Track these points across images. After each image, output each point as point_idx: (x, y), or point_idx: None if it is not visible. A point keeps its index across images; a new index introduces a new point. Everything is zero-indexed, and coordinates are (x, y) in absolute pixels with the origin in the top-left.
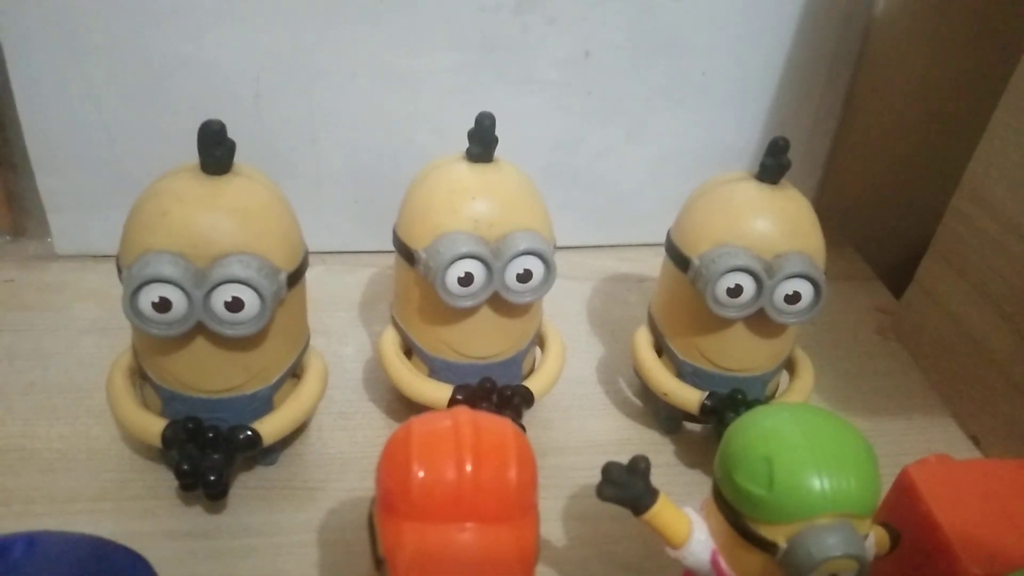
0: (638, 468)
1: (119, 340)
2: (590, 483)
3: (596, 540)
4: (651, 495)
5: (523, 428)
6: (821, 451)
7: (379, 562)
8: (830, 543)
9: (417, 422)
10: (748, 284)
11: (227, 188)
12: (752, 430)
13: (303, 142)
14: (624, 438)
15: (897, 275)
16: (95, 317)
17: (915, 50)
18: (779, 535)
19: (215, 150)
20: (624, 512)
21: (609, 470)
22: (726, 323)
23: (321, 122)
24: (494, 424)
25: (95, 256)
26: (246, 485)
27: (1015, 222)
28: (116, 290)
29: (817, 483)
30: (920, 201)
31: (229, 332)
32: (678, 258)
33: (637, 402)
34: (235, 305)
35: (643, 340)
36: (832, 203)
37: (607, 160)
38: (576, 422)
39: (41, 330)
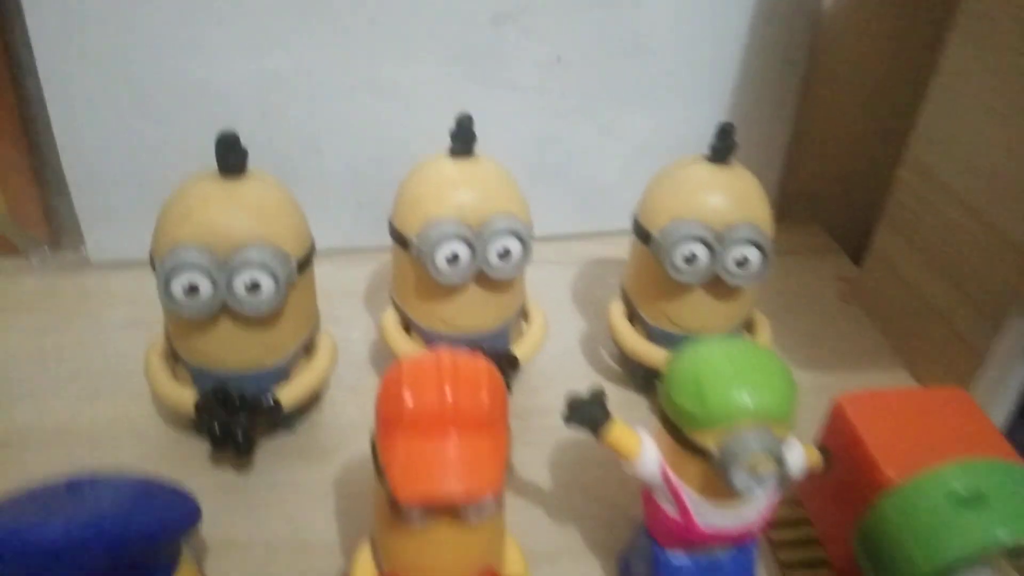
0: (596, 396)
1: (150, 333)
2: (571, 438)
3: (577, 482)
4: (607, 418)
5: (509, 388)
6: (742, 370)
7: (380, 472)
8: (751, 443)
9: (406, 360)
10: (702, 252)
11: (242, 188)
12: (686, 357)
13: (307, 152)
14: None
15: (861, 247)
16: (127, 315)
17: (862, 37)
18: (710, 440)
19: (231, 156)
20: (600, 459)
21: (572, 399)
22: (686, 288)
23: (323, 133)
24: (470, 360)
25: (125, 262)
26: (269, 450)
27: (951, 188)
28: (145, 291)
29: (738, 395)
30: (876, 177)
31: (249, 312)
32: (642, 234)
33: (615, 367)
34: (254, 287)
35: (617, 310)
36: (798, 186)
37: (584, 156)
38: (560, 387)
39: (80, 328)
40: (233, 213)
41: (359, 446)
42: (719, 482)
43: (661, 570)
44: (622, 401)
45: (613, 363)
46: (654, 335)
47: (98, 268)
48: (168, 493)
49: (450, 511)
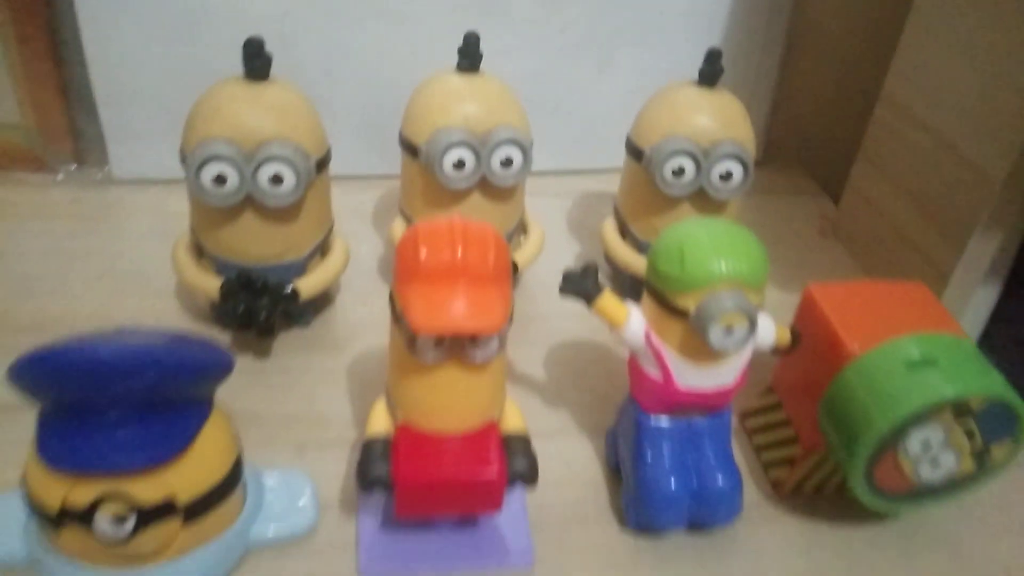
0: (588, 270)
1: (171, 242)
2: (566, 340)
3: (570, 376)
4: (598, 289)
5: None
6: (720, 241)
7: (398, 317)
8: (726, 302)
9: (422, 222)
10: (689, 166)
11: (267, 90)
12: (670, 232)
13: (320, 78)
14: None
15: (842, 192)
16: (150, 225)
17: None
18: (690, 302)
19: (256, 60)
20: (593, 354)
21: (567, 272)
22: (674, 203)
23: (335, 60)
24: (479, 225)
25: (148, 180)
26: (286, 341)
27: (924, 122)
28: (167, 205)
29: (715, 260)
30: (858, 126)
31: (272, 203)
32: (634, 152)
33: (608, 283)
34: (276, 179)
35: (609, 226)
36: (785, 133)
37: (582, 92)
38: (557, 298)
39: (106, 236)
40: (258, 112)
41: (368, 341)
42: (697, 343)
43: (644, 433)
44: None
45: (605, 280)
46: (643, 248)
47: (121, 185)
48: (205, 343)
49: (458, 354)
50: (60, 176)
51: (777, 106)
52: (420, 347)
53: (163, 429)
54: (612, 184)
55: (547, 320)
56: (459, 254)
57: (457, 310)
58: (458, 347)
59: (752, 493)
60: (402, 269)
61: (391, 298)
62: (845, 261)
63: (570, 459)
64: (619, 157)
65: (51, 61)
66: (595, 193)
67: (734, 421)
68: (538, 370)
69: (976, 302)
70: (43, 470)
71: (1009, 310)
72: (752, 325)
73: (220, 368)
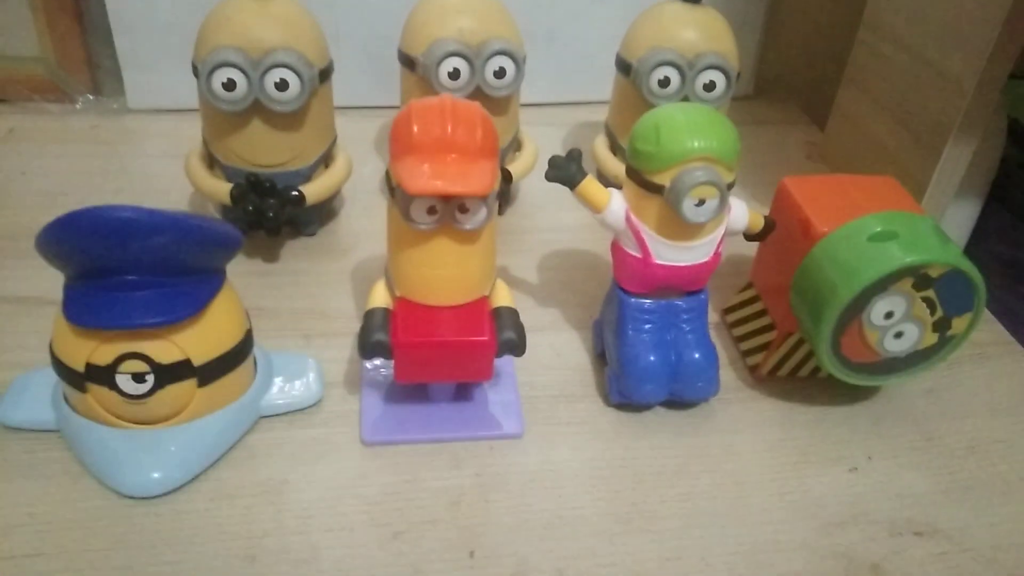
0: (572, 155)
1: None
2: (557, 249)
3: (559, 280)
4: (582, 174)
5: (505, 204)
6: (694, 121)
7: (393, 192)
8: (697, 174)
9: (415, 101)
10: (674, 76)
11: (272, 4)
12: (648, 115)
13: (323, 8)
14: (586, 223)
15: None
16: (164, 148)
17: None
18: (665, 179)
19: None
20: (581, 261)
21: (553, 158)
22: None
23: None
24: (468, 104)
25: (161, 110)
26: (293, 247)
27: (904, 41)
28: (180, 131)
29: (689, 138)
30: (846, 53)
31: (278, 108)
32: (623, 66)
33: None
34: (282, 85)
35: (601, 143)
36: (776, 68)
37: (574, 23)
38: (549, 212)
39: (123, 156)
40: (265, 22)
41: (370, 248)
42: (673, 219)
43: (626, 311)
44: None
45: None
46: None
47: (136, 113)
48: (216, 219)
49: (449, 223)
50: (79, 105)
51: (768, 41)
52: (414, 213)
53: (179, 294)
54: (604, 115)
55: (540, 232)
56: (449, 130)
57: (447, 175)
58: (449, 216)
59: (731, 379)
60: (397, 144)
61: (387, 176)
62: None
63: (559, 348)
64: (610, 89)
65: None
66: (588, 123)
67: (715, 317)
68: (531, 275)
69: (954, 213)
70: (70, 332)
71: (991, 228)
72: (723, 198)
73: (230, 239)
